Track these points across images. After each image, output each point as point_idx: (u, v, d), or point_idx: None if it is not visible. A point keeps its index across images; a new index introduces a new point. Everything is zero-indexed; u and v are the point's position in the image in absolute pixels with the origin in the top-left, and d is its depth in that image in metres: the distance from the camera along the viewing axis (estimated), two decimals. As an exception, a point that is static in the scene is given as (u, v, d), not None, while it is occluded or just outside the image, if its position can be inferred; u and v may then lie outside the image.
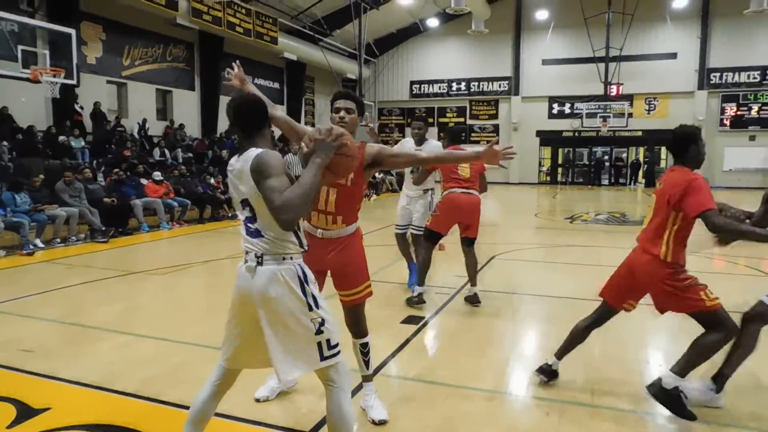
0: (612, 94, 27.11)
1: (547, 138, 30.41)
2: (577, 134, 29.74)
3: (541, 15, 28.65)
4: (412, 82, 32.04)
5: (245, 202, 2.49)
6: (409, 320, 5.36)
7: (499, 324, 5.44)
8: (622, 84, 26.86)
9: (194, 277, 7.63)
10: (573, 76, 28.60)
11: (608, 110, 27.26)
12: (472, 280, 5.95)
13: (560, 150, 31.30)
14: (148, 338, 4.84)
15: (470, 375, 4.07)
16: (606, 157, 30.97)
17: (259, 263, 2.46)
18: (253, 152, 2.42)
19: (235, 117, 2.58)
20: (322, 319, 2.50)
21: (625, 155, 30.78)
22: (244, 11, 20.07)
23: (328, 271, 3.29)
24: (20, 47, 10.61)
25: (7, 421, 3.30)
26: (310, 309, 2.48)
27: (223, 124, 21.87)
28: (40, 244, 9.36)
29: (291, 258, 2.50)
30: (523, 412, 3.57)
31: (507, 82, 30.42)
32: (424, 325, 5.30)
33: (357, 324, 3.33)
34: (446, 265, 7.69)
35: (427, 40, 31.06)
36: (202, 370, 4.04)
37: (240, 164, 2.47)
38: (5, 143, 12.85)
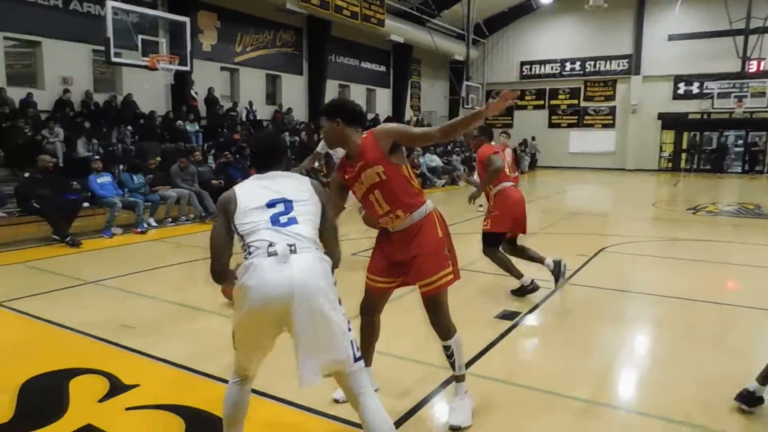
0: (751, 70, 24.48)
1: (670, 121, 27.99)
2: (705, 116, 27.12)
3: (670, -15, 26.26)
4: (522, 63, 30.82)
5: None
6: (504, 315, 5.04)
7: (603, 325, 4.95)
8: (764, 59, 24.22)
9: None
10: (704, 53, 25.97)
11: (745, 89, 24.50)
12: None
13: (685, 134, 28.72)
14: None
15: (565, 381, 3.70)
16: (740, 142, 27.92)
17: (293, 251, 2.25)
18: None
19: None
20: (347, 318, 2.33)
21: (763, 140, 27.47)
22: (351, -6, 20.12)
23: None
24: (140, 37, 11.19)
25: (99, 394, 3.41)
26: (339, 303, 2.32)
27: (329, 108, 22.15)
28: (153, 223, 9.90)
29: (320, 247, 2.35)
30: (622, 428, 3.17)
31: (626, 60, 28.36)
32: (520, 321, 4.95)
33: (437, 319, 3.03)
34: (549, 255, 7.23)
35: (540, 17, 29.66)
36: (285, 358, 4.00)
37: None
38: (129, 128, 13.74)
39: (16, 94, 13.09)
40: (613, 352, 4.32)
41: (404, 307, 4.85)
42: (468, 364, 3.78)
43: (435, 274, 2.95)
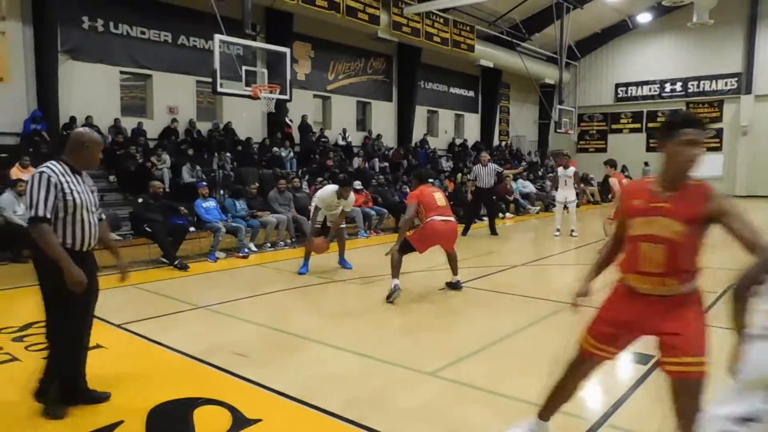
0: None
1: (787, 142, 25.84)
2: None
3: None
4: (617, 85, 29.74)
5: None
6: (638, 359, 4.52)
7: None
8: None
9: (386, 289, 7.58)
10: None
11: None
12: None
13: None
14: (347, 352, 4.81)
15: None
16: None
17: None
18: None
19: None
20: None
21: None
22: (442, 21, 20.22)
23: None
24: (244, 68, 11.66)
25: (224, 427, 3.41)
26: None
27: (417, 133, 22.29)
28: (254, 248, 10.14)
29: None
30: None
31: (735, 79, 26.65)
32: (655, 365, 4.51)
33: (689, 409, 2.44)
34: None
35: (637, 37, 28.55)
36: (403, 397, 3.91)
37: None
38: (228, 154, 14.29)
39: (128, 123, 14.01)
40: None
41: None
42: (608, 414, 3.56)
43: (704, 355, 2.52)
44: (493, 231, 12.64)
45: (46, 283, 3.40)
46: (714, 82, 27.37)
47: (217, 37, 10.84)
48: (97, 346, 4.88)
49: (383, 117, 21.54)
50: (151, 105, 15.06)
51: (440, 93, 24.55)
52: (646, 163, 26.41)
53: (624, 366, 4.62)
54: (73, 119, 12.85)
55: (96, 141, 3.60)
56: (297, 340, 5.22)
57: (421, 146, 21.34)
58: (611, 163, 10.69)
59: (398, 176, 16.80)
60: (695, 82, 27.83)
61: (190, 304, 6.48)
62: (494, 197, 13.59)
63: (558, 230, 12.65)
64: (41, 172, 3.33)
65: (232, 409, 3.63)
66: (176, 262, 8.50)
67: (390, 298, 6.43)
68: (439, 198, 6.80)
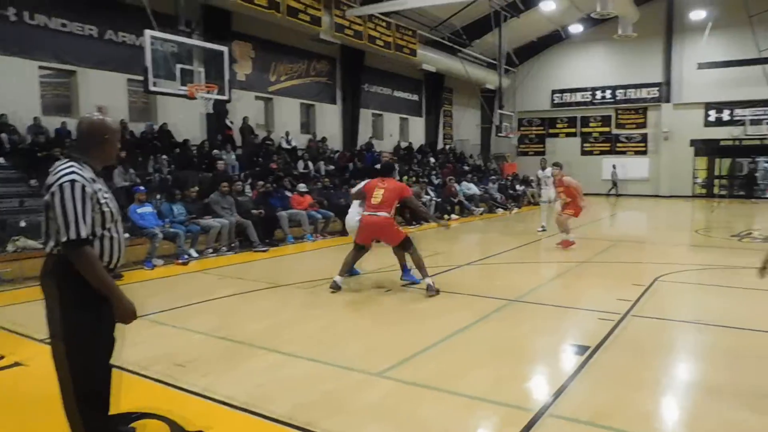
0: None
1: (702, 147, 27.63)
2: (738, 143, 26.83)
3: (697, 15, 25.79)
4: (553, 91, 30.77)
5: None
6: (576, 350, 4.77)
7: (681, 361, 4.66)
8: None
9: (338, 293, 7.45)
10: (734, 80, 25.83)
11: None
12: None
13: (717, 160, 28.22)
14: (296, 358, 4.66)
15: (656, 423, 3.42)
16: (765, 167, 27.42)
17: None
18: None
19: None
20: None
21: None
22: (384, 24, 20.20)
23: None
24: (179, 66, 11.18)
25: (163, 442, 3.19)
26: None
27: (363, 137, 22.21)
28: (194, 254, 9.75)
29: None
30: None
31: (657, 88, 28.23)
32: (591, 355, 4.63)
33: None
34: (605, 285, 6.91)
35: (570, 47, 29.64)
36: (355, 399, 3.79)
37: None
38: (164, 157, 13.75)
39: (51, 123, 13.15)
40: (695, 389, 3.96)
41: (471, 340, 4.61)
42: (548, 405, 3.64)
43: None
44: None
45: (71, 321, 2.66)
46: (638, 90, 28.88)
47: (148, 32, 10.36)
48: (17, 365, 4.51)
49: (328, 120, 21.34)
50: (76, 103, 14.09)
51: (385, 96, 24.57)
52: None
53: (563, 356, 4.72)
54: (-14, 116, 11.99)
55: (117, 130, 2.95)
56: (242, 347, 5.00)
57: (368, 149, 21.26)
58: (559, 165, 11.55)
59: (344, 179, 16.62)
60: (623, 90, 29.25)
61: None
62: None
63: (543, 227, 13.16)
64: (72, 181, 2.58)
65: (171, 423, 3.42)
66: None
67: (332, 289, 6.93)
68: (377, 195, 7.04)
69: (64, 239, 2.56)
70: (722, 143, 27.13)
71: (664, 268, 8.51)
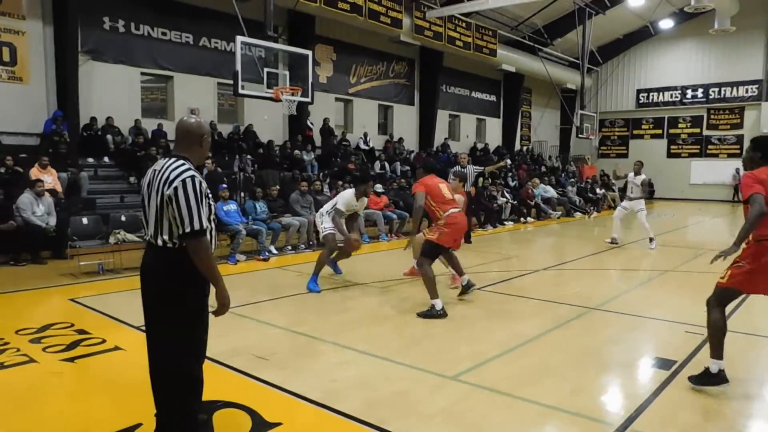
0: None
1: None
2: None
3: (804, 6, 24.29)
4: (638, 91, 29.55)
5: None
6: (660, 364, 4.59)
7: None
8: None
9: (407, 293, 7.49)
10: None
11: None
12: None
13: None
14: (368, 356, 4.75)
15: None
16: None
17: None
18: None
19: None
20: None
21: None
22: (464, 25, 20.12)
23: None
24: (265, 69, 11.62)
25: (244, 431, 3.36)
26: None
27: (439, 137, 22.19)
28: (274, 251, 10.09)
29: None
30: None
31: (756, 86, 26.45)
32: (678, 370, 4.43)
33: None
34: (693, 296, 6.61)
35: (659, 43, 28.36)
36: (428, 401, 3.82)
37: None
38: (249, 157, 14.29)
39: (149, 125, 14.06)
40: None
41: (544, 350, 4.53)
42: (628, 420, 3.51)
43: None
44: (467, 239, 11.31)
45: (186, 310, 2.93)
46: (735, 88, 27.15)
47: (239, 38, 10.83)
48: (116, 348, 4.86)
49: (405, 121, 21.48)
50: (171, 106, 15.12)
51: (462, 97, 24.44)
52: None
53: (645, 369, 4.56)
54: (93, 120, 12.97)
55: (209, 131, 3.17)
56: (318, 343, 5.15)
57: (443, 150, 21.24)
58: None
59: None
60: (716, 89, 27.60)
61: (210, 306, 6.40)
62: (472, 205, 11.86)
63: (614, 239, 11.82)
64: (193, 176, 2.80)
65: (252, 413, 3.58)
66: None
67: (426, 315, 6.01)
68: (445, 190, 6.50)
69: (188, 230, 2.76)
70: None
71: None
